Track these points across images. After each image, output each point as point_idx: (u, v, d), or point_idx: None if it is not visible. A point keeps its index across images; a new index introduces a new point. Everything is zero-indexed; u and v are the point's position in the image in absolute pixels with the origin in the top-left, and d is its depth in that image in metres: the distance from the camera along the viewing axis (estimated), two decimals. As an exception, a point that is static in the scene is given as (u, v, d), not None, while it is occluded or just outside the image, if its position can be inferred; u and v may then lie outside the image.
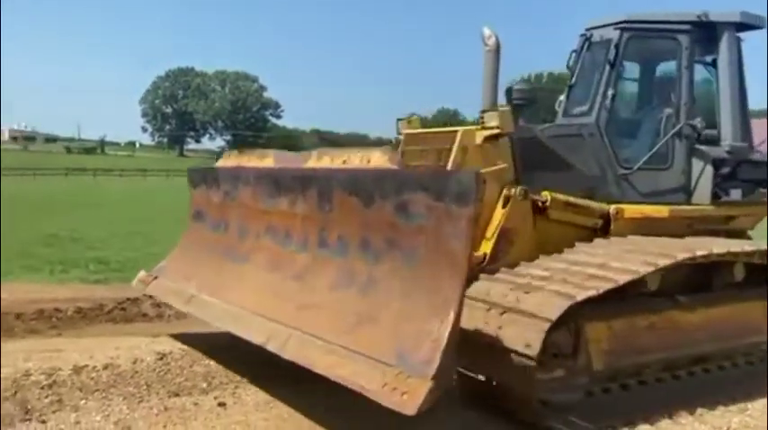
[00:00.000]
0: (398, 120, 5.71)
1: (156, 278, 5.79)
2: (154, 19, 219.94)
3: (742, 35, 6.08)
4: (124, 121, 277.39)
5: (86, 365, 5.01)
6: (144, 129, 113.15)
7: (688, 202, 5.80)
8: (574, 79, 6.26)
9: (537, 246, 4.96)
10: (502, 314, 4.11)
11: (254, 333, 4.15)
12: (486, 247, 4.88)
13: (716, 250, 4.83)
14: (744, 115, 6.01)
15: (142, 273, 6.03)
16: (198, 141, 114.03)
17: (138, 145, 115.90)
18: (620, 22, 5.82)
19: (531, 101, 6.00)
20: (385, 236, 3.75)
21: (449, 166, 4.95)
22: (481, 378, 4.34)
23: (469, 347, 3.78)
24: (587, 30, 6.17)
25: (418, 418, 3.06)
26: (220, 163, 5.81)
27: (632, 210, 5.44)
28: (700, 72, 6.12)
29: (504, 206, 4.94)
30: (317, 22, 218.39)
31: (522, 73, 48.75)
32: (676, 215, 5.60)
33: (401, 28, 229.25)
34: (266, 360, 4.10)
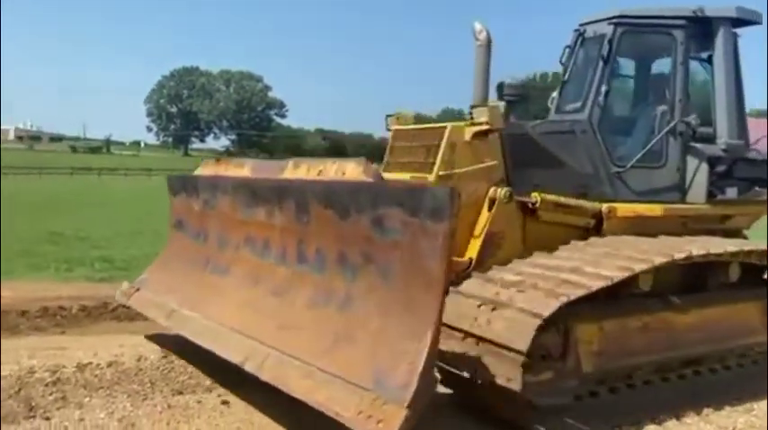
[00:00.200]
0: (387, 116, 5.62)
1: (138, 290, 5.75)
2: (159, 19, 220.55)
3: (738, 31, 5.97)
4: (129, 121, 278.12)
5: (90, 363, 5.03)
6: (149, 129, 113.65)
7: (683, 201, 5.70)
8: (567, 75, 6.17)
9: (527, 247, 4.86)
10: (464, 339, 4.06)
11: (232, 352, 4.10)
12: (472, 252, 4.80)
13: (695, 252, 4.64)
14: (740, 112, 5.90)
15: (125, 285, 6.01)
16: (203, 141, 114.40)
17: (142, 144, 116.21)
18: (614, 17, 5.71)
19: (522, 97, 5.90)
20: (362, 250, 3.68)
21: (437, 163, 4.88)
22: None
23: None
24: (581, 25, 6.07)
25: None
26: (199, 171, 5.75)
27: (625, 209, 5.34)
28: (695, 68, 6.03)
29: (489, 209, 4.84)
30: (322, 22, 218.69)
31: (528, 72, 48.47)
32: (670, 214, 5.49)
33: (406, 27, 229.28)
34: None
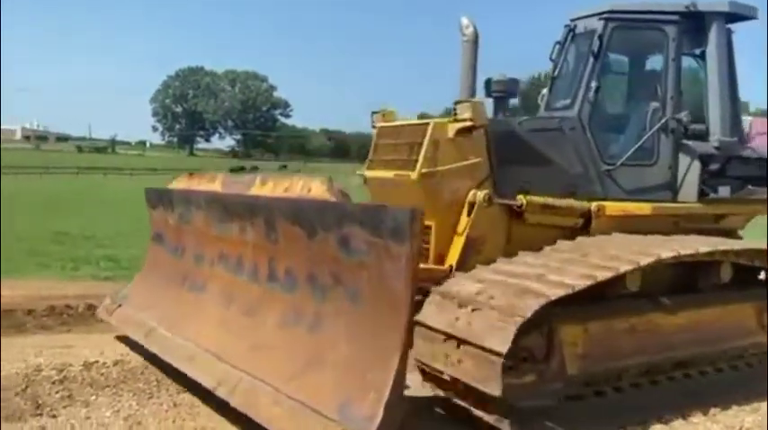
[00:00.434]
0: (373, 113, 5.53)
1: (119, 306, 5.73)
2: (164, 19, 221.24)
3: (733, 26, 5.84)
4: (135, 121, 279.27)
5: (97, 361, 5.04)
6: (154, 129, 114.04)
7: (674, 200, 5.57)
8: (557, 72, 6.05)
9: (512, 250, 4.70)
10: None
11: (205, 377, 4.09)
12: (453, 258, 4.70)
13: (664, 255, 4.37)
14: (734, 109, 5.76)
15: (107, 301, 5.99)
16: (208, 140, 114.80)
17: (148, 144, 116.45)
18: (605, 12, 5.60)
19: (511, 94, 5.79)
20: (330, 270, 3.65)
21: (419, 161, 4.78)
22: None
23: None
24: (572, 20, 5.96)
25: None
26: (173, 185, 5.73)
27: (614, 208, 5.23)
28: (689, 64, 5.90)
29: (469, 214, 4.74)
30: (327, 22, 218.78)
31: (533, 72, 48.18)
32: (660, 213, 5.37)
33: (409, 27, 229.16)
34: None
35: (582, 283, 3.88)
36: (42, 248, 11.36)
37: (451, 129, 4.81)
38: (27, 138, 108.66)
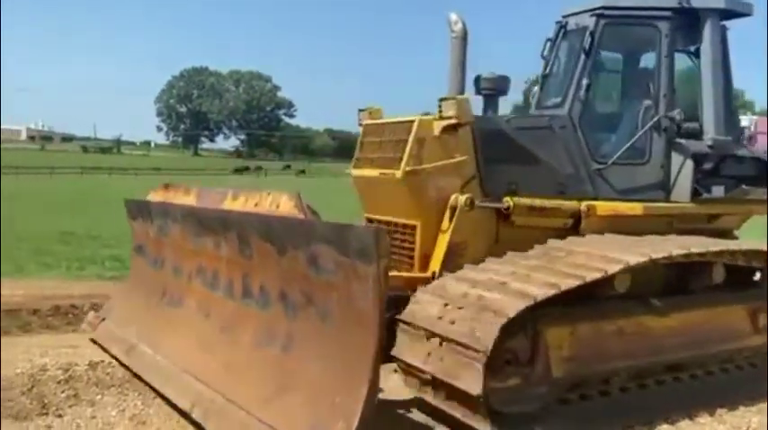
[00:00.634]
0: (360, 110, 5.43)
1: (103, 320, 5.67)
2: (164, 18, 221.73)
3: (728, 23, 5.73)
4: (139, 121, 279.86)
5: (102, 361, 5.06)
6: (159, 129, 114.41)
7: (666, 200, 5.45)
8: (548, 69, 5.94)
9: (499, 251, 4.59)
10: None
11: (181, 398, 4.06)
12: (436, 264, 4.61)
13: (632, 262, 4.14)
14: (728, 108, 5.65)
15: (91, 315, 5.95)
16: (212, 140, 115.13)
17: (153, 144, 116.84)
18: (597, 9, 5.48)
19: (500, 91, 5.67)
20: (301, 288, 3.61)
21: (404, 159, 4.69)
22: None
23: None
24: (563, 17, 5.84)
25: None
26: (151, 196, 5.66)
27: (605, 208, 5.12)
28: (683, 62, 5.79)
29: (450, 219, 4.64)
30: (332, 22, 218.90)
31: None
32: (652, 213, 5.26)
33: (413, 27, 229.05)
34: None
35: (543, 293, 3.79)
36: (48, 248, 11.38)
37: (437, 126, 4.71)
38: (32, 138, 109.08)
